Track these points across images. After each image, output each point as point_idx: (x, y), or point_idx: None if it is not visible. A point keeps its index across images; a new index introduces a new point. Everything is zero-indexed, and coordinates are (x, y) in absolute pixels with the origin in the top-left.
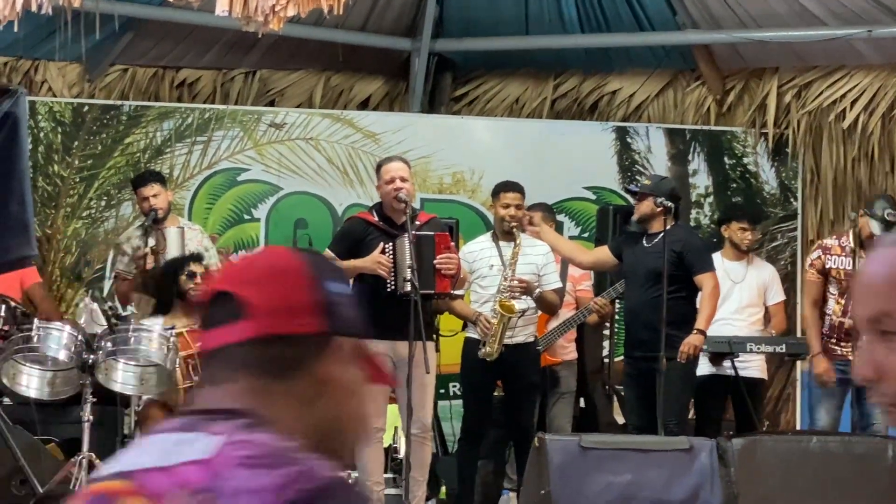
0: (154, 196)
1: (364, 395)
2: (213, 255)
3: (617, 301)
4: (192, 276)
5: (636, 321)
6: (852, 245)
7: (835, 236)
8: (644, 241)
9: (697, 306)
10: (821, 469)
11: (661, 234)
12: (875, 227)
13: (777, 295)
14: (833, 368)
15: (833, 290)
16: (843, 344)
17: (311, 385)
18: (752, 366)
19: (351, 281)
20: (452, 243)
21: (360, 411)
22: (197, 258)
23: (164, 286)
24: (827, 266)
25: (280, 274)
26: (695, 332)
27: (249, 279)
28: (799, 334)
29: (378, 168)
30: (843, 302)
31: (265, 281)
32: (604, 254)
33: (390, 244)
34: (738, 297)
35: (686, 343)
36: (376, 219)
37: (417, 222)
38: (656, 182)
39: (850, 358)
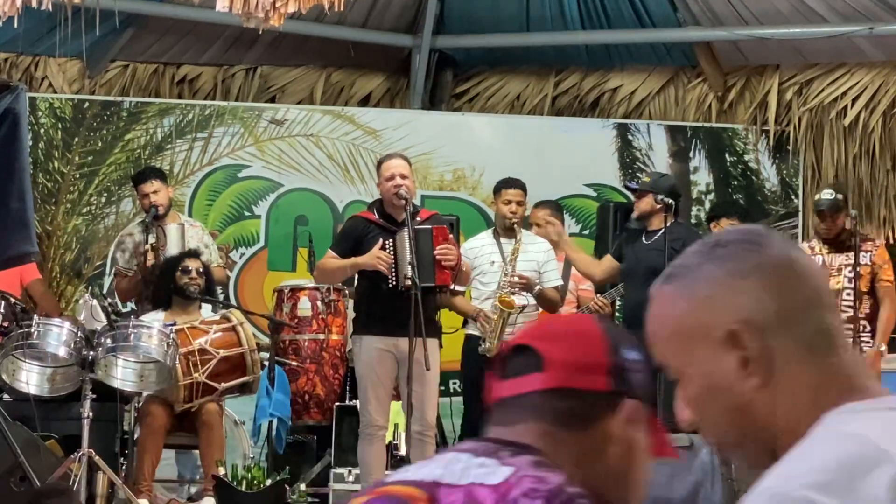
0: (154, 192)
1: (645, 462)
2: (213, 251)
3: (617, 302)
4: (187, 271)
5: (636, 319)
6: (819, 244)
7: (803, 242)
8: (644, 239)
9: None
10: None
11: (662, 232)
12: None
13: None
14: None
15: None
16: None
17: (596, 440)
18: None
19: (355, 278)
20: (451, 236)
21: (638, 475)
22: (192, 254)
23: (161, 283)
24: None
25: (579, 334)
26: None
27: (550, 336)
28: None
29: (378, 165)
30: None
31: (565, 339)
32: (610, 263)
33: (390, 241)
34: None
35: None
36: (376, 216)
37: (419, 219)
38: (656, 179)
39: None
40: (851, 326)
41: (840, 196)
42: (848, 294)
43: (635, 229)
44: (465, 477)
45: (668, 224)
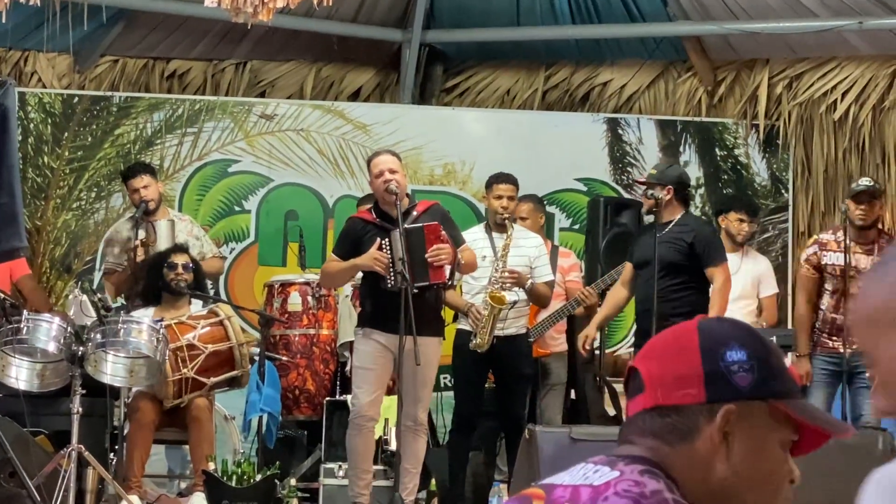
0: (144, 188)
1: (772, 462)
2: (206, 242)
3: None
4: (173, 267)
5: (647, 312)
6: (846, 240)
7: (830, 231)
8: (655, 231)
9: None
10: (811, 460)
11: (672, 224)
12: (860, 186)
13: (770, 287)
14: (811, 373)
15: (828, 285)
16: (834, 338)
17: (700, 453)
18: None
19: (359, 277)
20: (444, 233)
21: (763, 478)
22: (179, 249)
23: (149, 279)
24: (823, 262)
25: (672, 349)
26: None
27: (649, 355)
28: (790, 326)
29: (368, 163)
30: (835, 298)
31: (659, 356)
32: (628, 269)
33: (386, 239)
34: (731, 289)
35: None
36: (373, 216)
37: (415, 212)
38: (662, 170)
39: (842, 351)
40: None
41: (877, 184)
42: None
43: (647, 225)
44: (578, 479)
45: (679, 216)
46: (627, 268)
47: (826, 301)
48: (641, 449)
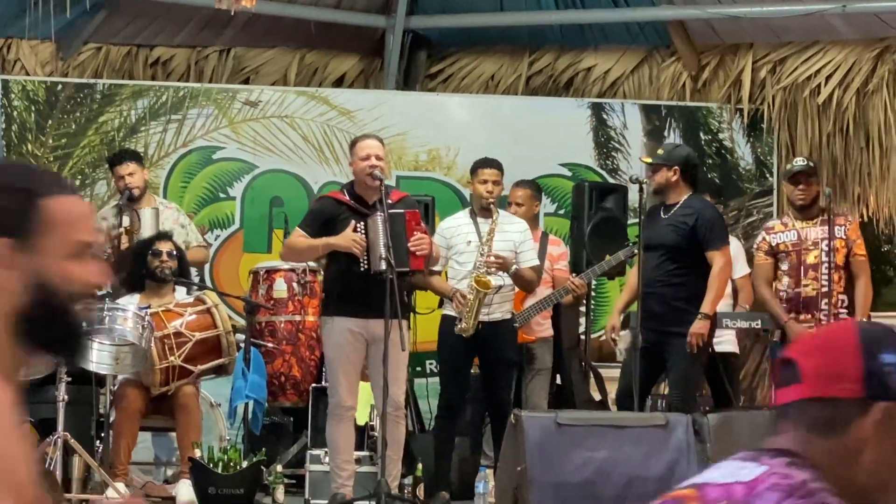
0: (130, 175)
1: None
2: (191, 230)
3: (593, 282)
4: (157, 254)
5: (651, 295)
6: (791, 217)
7: (776, 218)
8: (661, 213)
9: None
10: None
11: (678, 206)
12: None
13: (743, 268)
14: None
15: (783, 266)
16: (801, 318)
17: (852, 445)
18: (725, 340)
19: (324, 260)
20: (423, 222)
21: None
22: (164, 236)
23: (133, 266)
24: (773, 243)
25: (834, 344)
26: (700, 317)
27: (808, 348)
28: None
29: (352, 145)
30: (794, 274)
31: (820, 350)
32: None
33: (362, 223)
34: None
35: (692, 334)
36: (347, 198)
37: (390, 200)
38: (669, 150)
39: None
40: (830, 301)
41: (811, 163)
42: (827, 267)
43: (655, 206)
44: (729, 477)
45: (685, 197)
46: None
47: (785, 281)
48: (786, 440)
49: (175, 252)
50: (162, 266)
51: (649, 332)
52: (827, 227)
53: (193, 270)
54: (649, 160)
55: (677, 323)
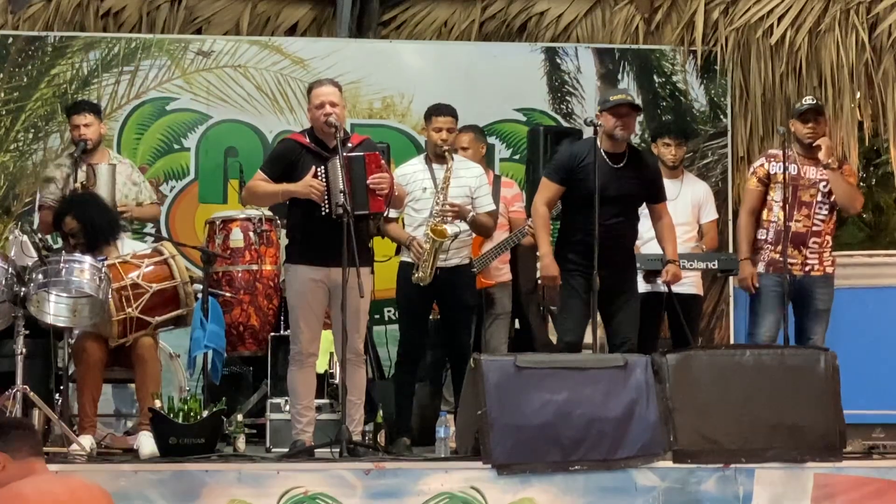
0: (86, 125)
1: None
2: (144, 187)
3: (552, 223)
4: (65, 237)
5: (610, 241)
6: (799, 152)
7: (779, 148)
8: (610, 162)
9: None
10: (755, 381)
11: (625, 154)
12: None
13: (711, 213)
14: (755, 274)
15: (777, 196)
16: (789, 252)
17: None
18: (687, 282)
19: (284, 206)
20: (384, 162)
21: None
22: (67, 211)
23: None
24: (771, 171)
25: None
26: (676, 263)
27: None
28: (731, 249)
29: (308, 91)
30: (787, 207)
31: None
32: (555, 191)
33: (322, 167)
34: (671, 215)
35: (674, 275)
36: (308, 141)
37: (350, 144)
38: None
39: (795, 272)
40: (819, 241)
41: (820, 102)
42: (820, 208)
43: (574, 147)
44: None
45: (625, 147)
46: (549, 186)
47: (776, 212)
48: None
49: (79, 228)
50: (77, 244)
51: (605, 278)
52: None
53: (150, 225)
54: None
55: (633, 268)
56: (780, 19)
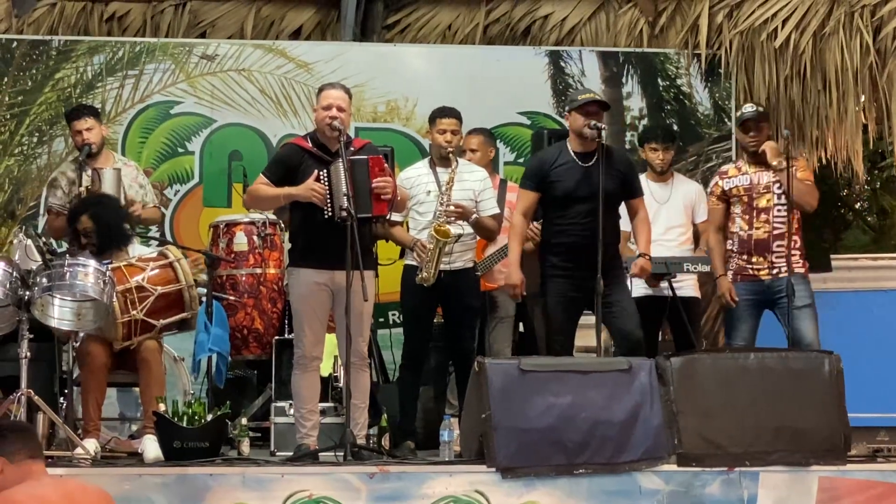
0: (87, 130)
1: None
2: (148, 191)
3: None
4: (77, 235)
5: (588, 240)
6: (746, 164)
7: (731, 163)
8: (580, 161)
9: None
10: (759, 385)
11: (594, 153)
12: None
13: (704, 213)
14: (733, 289)
15: (737, 209)
16: (754, 259)
17: None
18: (686, 285)
19: (287, 210)
20: (387, 166)
21: None
22: (83, 211)
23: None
24: (725, 188)
25: None
26: (646, 257)
27: None
28: None
29: (319, 91)
30: (747, 217)
31: None
32: (531, 199)
33: (324, 171)
34: (665, 218)
35: (643, 269)
36: (311, 145)
37: (352, 148)
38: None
39: (763, 277)
40: (784, 243)
41: (762, 108)
42: (779, 210)
43: (546, 153)
44: None
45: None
46: (526, 195)
47: (738, 223)
48: None
49: (94, 228)
50: (88, 244)
51: (588, 281)
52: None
53: (153, 228)
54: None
55: (618, 267)
56: (784, 22)
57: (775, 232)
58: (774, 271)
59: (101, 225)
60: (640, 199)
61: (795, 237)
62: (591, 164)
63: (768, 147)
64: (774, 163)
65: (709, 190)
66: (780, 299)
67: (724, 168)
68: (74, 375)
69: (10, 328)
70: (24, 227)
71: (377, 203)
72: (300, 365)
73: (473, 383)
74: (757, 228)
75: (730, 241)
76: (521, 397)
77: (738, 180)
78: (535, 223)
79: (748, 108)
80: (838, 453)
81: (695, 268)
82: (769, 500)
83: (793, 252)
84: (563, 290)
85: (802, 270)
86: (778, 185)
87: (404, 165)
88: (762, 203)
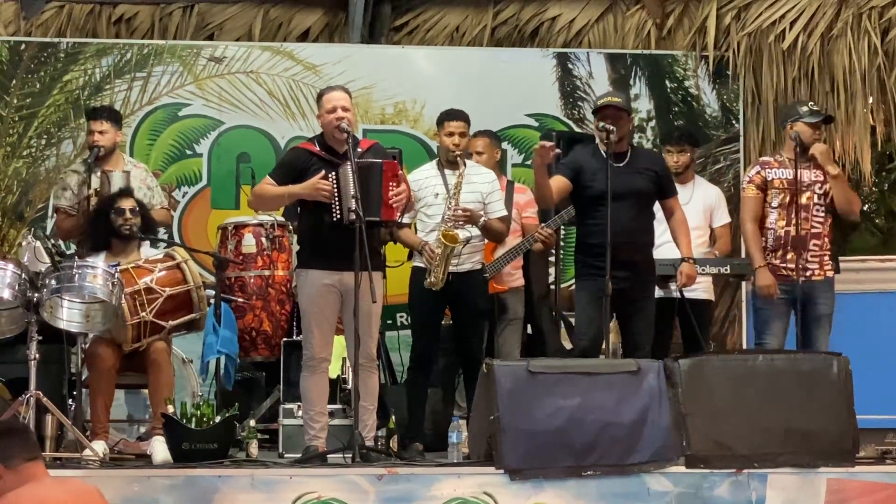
0: (101, 133)
1: None
2: (157, 192)
3: (562, 230)
4: (120, 212)
5: (626, 242)
6: (790, 156)
7: (771, 154)
8: (613, 161)
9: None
10: (767, 387)
11: (628, 153)
12: (809, 120)
13: (723, 217)
14: (775, 284)
15: (775, 203)
16: (788, 258)
17: None
18: (699, 287)
19: (297, 210)
20: (401, 171)
21: None
22: (125, 193)
23: (97, 226)
24: (768, 178)
25: None
26: (690, 262)
27: None
28: (743, 255)
29: (319, 97)
30: (785, 213)
31: None
32: (561, 183)
33: (333, 173)
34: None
35: (689, 277)
36: (318, 148)
37: (359, 150)
38: (624, 98)
39: (794, 277)
40: (819, 243)
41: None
42: (818, 210)
43: (580, 148)
44: None
45: (629, 146)
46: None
47: (773, 219)
48: None
49: (137, 208)
50: (126, 223)
51: (622, 280)
52: (820, 171)
53: (161, 230)
54: (616, 100)
55: (651, 272)
56: (792, 24)
57: (813, 231)
58: (808, 273)
59: (144, 207)
60: (674, 198)
61: (827, 239)
62: (622, 164)
63: (820, 149)
64: (830, 168)
65: (747, 178)
66: (808, 303)
67: (764, 159)
68: (83, 377)
69: (20, 330)
70: (32, 229)
71: (387, 208)
72: (308, 367)
73: (482, 385)
74: (796, 225)
75: (762, 239)
76: (529, 399)
77: (782, 173)
78: (543, 226)
79: (815, 108)
80: (847, 455)
81: (703, 270)
82: (777, 502)
83: (825, 253)
84: (594, 291)
85: (832, 275)
86: (819, 185)
87: (412, 168)
88: (803, 200)
